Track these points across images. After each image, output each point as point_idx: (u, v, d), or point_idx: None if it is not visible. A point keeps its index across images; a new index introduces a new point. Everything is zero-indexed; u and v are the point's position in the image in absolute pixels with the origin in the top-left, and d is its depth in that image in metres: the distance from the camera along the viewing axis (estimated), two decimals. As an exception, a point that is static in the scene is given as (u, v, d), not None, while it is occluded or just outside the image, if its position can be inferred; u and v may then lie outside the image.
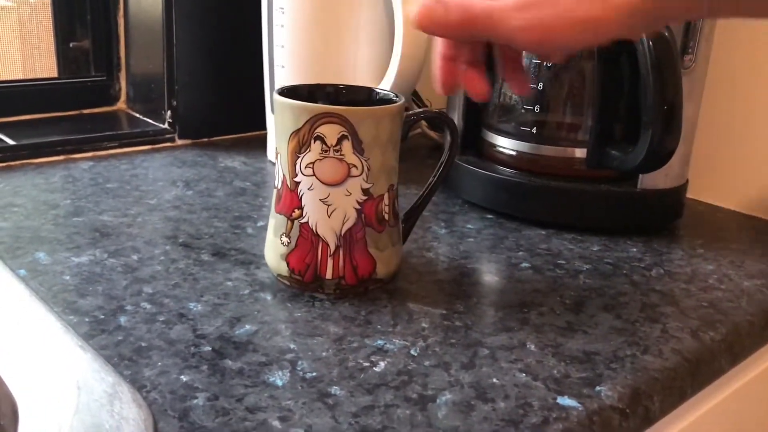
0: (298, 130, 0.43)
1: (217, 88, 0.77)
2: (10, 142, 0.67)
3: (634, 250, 0.55)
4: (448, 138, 0.48)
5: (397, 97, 0.46)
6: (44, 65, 0.85)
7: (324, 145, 0.42)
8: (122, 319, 0.40)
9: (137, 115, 0.80)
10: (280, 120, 0.44)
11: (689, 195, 0.63)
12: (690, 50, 0.54)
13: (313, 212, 0.44)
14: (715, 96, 0.65)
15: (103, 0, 0.80)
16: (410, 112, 0.46)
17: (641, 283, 0.49)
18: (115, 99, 0.82)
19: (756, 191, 0.65)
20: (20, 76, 0.84)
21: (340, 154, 0.42)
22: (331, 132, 0.42)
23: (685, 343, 0.42)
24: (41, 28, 0.85)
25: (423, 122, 0.83)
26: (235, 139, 0.79)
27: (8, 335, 0.39)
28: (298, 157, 0.43)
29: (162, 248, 0.50)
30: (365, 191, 0.44)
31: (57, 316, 0.40)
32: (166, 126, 0.75)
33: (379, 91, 0.48)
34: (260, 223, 0.56)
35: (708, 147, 0.67)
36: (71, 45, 0.85)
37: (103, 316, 0.40)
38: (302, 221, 0.44)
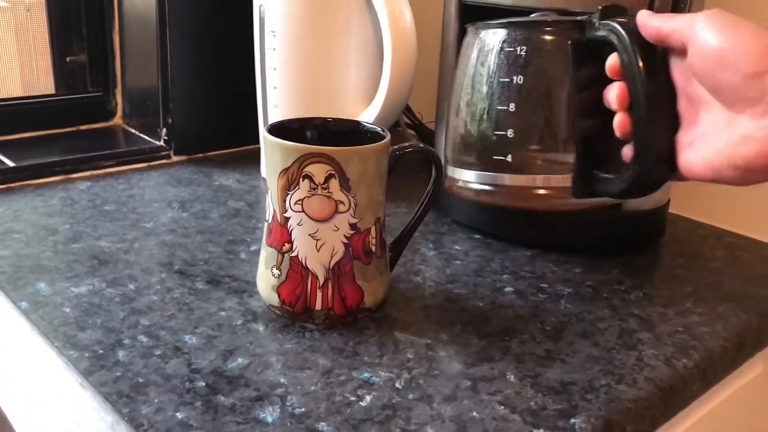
0: (287, 169, 0.44)
1: (211, 105, 0.79)
2: (10, 163, 0.68)
3: (616, 271, 0.57)
4: (433, 173, 0.49)
5: (383, 131, 0.48)
6: (41, 80, 0.87)
7: (312, 183, 0.44)
8: (120, 354, 0.42)
9: (133, 131, 0.81)
10: (269, 158, 0.45)
11: (672, 210, 0.65)
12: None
13: (302, 246, 0.45)
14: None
15: (98, 16, 0.81)
16: (396, 146, 0.48)
17: (620, 307, 0.51)
18: (112, 114, 0.83)
19: (735, 207, 0.67)
20: (17, 92, 0.85)
21: (328, 192, 0.44)
22: (319, 171, 0.44)
23: (658, 371, 0.44)
24: (37, 41, 0.87)
25: (413, 137, 0.85)
26: (229, 154, 0.81)
27: (11, 370, 0.41)
28: (288, 194, 0.45)
29: (158, 276, 0.52)
30: (352, 226, 0.45)
31: (58, 352, 0.42)
32: (161, 143, 0.76)
33: (366, 125, 0.50)
34: (253, 247, 0.57)
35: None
36: (68, 59, 0.87)
37: (102, 351, 0.42)
38: (292, 255, 0.46)
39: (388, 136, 0.46)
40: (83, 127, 0.81)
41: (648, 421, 0.41)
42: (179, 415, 0.37)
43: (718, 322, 0.50)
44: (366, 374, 0.42)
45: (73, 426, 0.39)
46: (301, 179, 0.44)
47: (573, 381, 0.42)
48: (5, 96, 0.81)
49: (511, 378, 0.42)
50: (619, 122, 0.47)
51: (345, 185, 0.44)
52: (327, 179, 0.44)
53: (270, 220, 0.47)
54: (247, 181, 0.73)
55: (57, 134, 0.79)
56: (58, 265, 0.53)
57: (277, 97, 0.68)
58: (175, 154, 0.77)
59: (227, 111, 0.80)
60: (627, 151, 0.48)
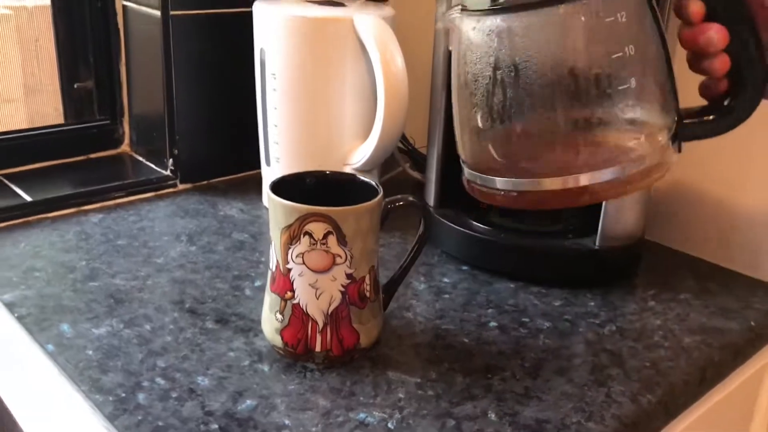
0: (289, 226, 0.49)
1: (213, 135, 0.83)
2: (27, 198, 0.72)
3: (592, 304, 0.62)
4: (421, 227, 0.54)
5: (377, 186, 0.52)
6: (49, 107, 0.91)
7: (312, 239, 0.49)
8: (141, 397, 0.47)
9: (141, 159, 0.86)
10: (273, 215, 0.50)
11: (649, 237, 0.70)
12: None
13: (303, 295, 0.50)
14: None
15: (105, 47, 0.85)
16: (388, 200, 0.52)
17: (594, 342, 0.56)
18: (120, 142, 0.87)
19: (707, 235, 0.71)
20: (22, 117, 0.89)
21: (326, 247, 0.49)
22: (317, 228, 0.48)
23: (624, 408, 0.48)
24: (44, 68, 0.90)
25: (406, 162, 0.89)
26: (231, 180, 0.85)
27: (41, 414, 0.46)
28: (290, 248, 0.49)
29: (171, 315, 0.56)
30: (349, 275, 0.50)
31: (84, 396, 0.46)
32: (168, 173, 0.81)
33: (361, 178, 0.54)
34: (257, 283, 0.62)
35: (666, 192, 0.73)
36: (75, 86, 0.91)
37: (123, 395, 0.47)
38: (294, 302, 0.50)
39: (381, 193, 0.51)
40: (92, 156, 0.85)
41: (613, 456, 0.46)
42: (196, 458, 0.42)
43: (682, 356, 0.55)
44: (362, 414, 0.46)
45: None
46: (301, 235, 0.49)
47: (547, 419, 0.47)
48: (12, 127, 0.85)
49: (492, 416, 0.47)
50: (720, 61, 0.46)
51: (342, 240, 0.49)
52: (325, 236, 0.48)
53: (274, 269, 0.51)
54: (249, 210, 0.77)
55: (68, 164, 0.83)
56: (79, 305, 0.57)
57: (278, 134, 0.72)
58: (181, 183, 0.81)
59: (229, 140, 0.84)
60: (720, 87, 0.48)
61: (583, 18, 0.44)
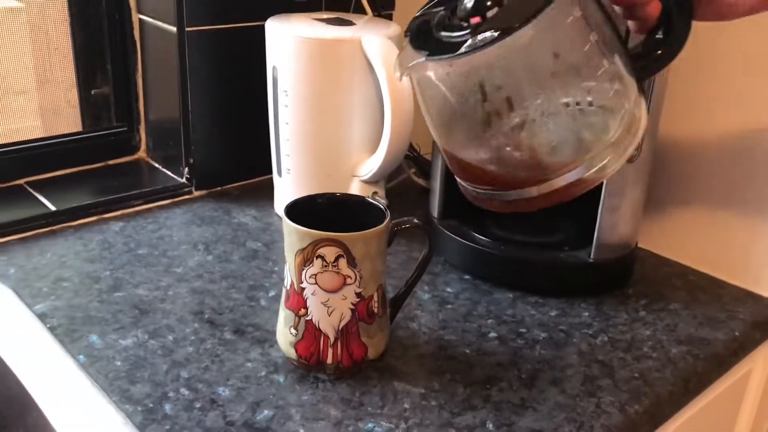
0: (303, 249, 0.53)
1: (227, 143, 0.86)
2: (51, 207, 0.76)
3: (586, 314, 0.65)
4: (426, 248, 0.58)
5: (384, 210, 0.56)
6: (61, 99, 0.93)
7: (324, 262, 0.52)
8: (167, 407, 0.51)
9: (157, 165, 0.89)
10: (288, 238, 0.54)
11: (643, 245, 0.73)
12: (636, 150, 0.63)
13: (315, 312, 0.54)
14: (667, 148, 0.75)
15: (122, 56, 0.89)
16: (395, 222, 0.56)
17: (587, 353, 0.60)
18: (136, 149, 0.91)
19: (700, 245, 0.75)
20: (37, 122, 0.92)
21: (337, 269, 0.53)
22: (329, 252, 0.52)
23: (613, 419, 0.52)
24: (55, 60, 0.93)
25: (411, 169, 0.93)
26: (244, 186, 0.89)
27: (78, 420, 0.50)
28: (304, 269, 0.53)
29: (192, 326, 0.60)
30: (358, 294, 0.54)
31: (116, 407, 0.51)
32: (184, 180, 0.84)
33: (369, 200, 0.58)
34: (271, 293, 0.66)
35: (659, 201, 0.77)
36: (93, 92, 0.94)
37: (151, 405, 0.51)
38: (307, 318, 0.54)
39: (388, 217, 0.55)
40: (111, 162, 0.89)
41: (601, 464, 0.50)
42: (220, 466, 0.46)
43: (668, 366, 0.59)
44: (370, 424, 0.51)
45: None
46: (314, 258, 0.52)
47: (541, 429, 0.51)
48: (26, 122, 0.89)
49: (490, 426, 0.51)
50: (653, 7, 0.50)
51: (352, 263, 0.53)
52: (336, 258, 0.52)
53: (288, 288, 0.55)
54: (261, 218, 0.81)
55: (87, 171, 0.87)
56: (106, 315, 0.61)
57: (290, 147, 0.76)
58: (196, 189, 0.85)
59: (242, 147, 0.88)
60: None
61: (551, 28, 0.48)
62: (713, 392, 0.64)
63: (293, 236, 0.53)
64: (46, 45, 0.93)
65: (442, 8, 0.51)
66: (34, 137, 0.87)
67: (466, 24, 0.47)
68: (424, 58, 0.48)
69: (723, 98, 0.71)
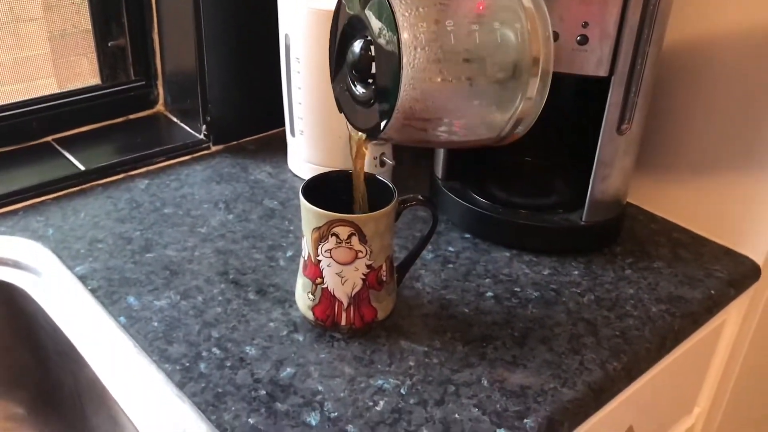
0: (319, 227, 0.58)
1: (242, 99, 0.91)
2: (81, 167, 0.82)
3: (576, 273, 0.72)
4: (432, 223, 0.63)
5: (393, 189, 0.61)
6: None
7: (338, 239, 0.58)
8: (202, 366, 0.58)
9: (175, 120, 0.94)
10: (305, 216, 0.59)
11: (632, 201, 0.78)
12: (627, 120, 0.68)
13: (330, 281, 0.60)
14: (659, 105, 0.79)
15: (137, 11, 0.91)
16: (401, 199, 0.61)
17: (574, 311, 0.66)
18: (155, 103, 0.95)
19: (686, 203, 0.80)
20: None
21: (350, 245, 0.58)
22: (343, 231, 0.58)
23: (594, 375, 0.59)
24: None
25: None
26: (259, 139, 0.94)
27: (124, 382, 0.57)
28: (320, 244, 0.59)
29: (218, 287, 0.67)
30: (368, 266, 0.60)
31: (156, 366, 0.58)
32: (202, 137, 0.89)
33: (379, 179, 0.63)
34: (289, 253, 0.72)
35: (648, 159, 0.81)
36: (110, 44, 0.97)
37: (188, 364, 0.58)
38: (323, 286, 0.61)
39: (396, 197, 0.60)
40: (132, 117, 0.94)
41: (581, 416, 0.58)
42: (251, 421, 0.54)
43: (647, 325, 0.65)
44: (380, 381, 0.58)
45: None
46: (329, 236, 0.58)
47: (530, 385, 0.58)
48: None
49: (485, 383, 0.58)
50: None
51: (363, 239, 0.58)
52: (349, 236, 0.58)
53: (306, 258, 0.61)
54: (277, 174, 0.86)
55: (109, 126, 0.92)
56: (140, 277, 0.68)
57: (302, 110, 0.80)
58: (214, 145, 0.90)
59: (256, 102, 0.92)
60: None
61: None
62: (688, 344, 0.71)
63: (310, 215, 0.59)
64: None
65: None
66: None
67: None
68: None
69: (712, 67, 0.74)
